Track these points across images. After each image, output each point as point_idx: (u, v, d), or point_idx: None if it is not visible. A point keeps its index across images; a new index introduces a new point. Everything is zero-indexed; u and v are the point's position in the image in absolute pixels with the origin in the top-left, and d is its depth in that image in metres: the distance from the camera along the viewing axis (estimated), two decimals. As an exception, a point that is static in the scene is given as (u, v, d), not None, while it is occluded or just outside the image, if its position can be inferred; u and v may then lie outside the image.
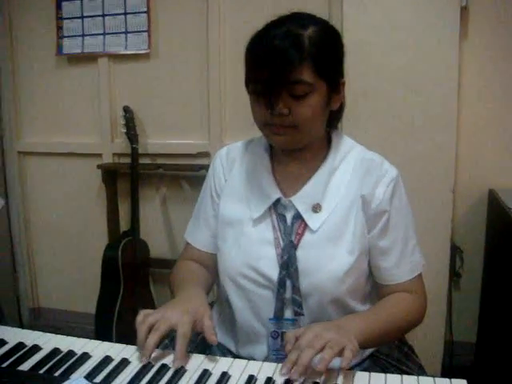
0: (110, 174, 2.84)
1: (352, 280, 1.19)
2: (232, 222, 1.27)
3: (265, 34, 1.12)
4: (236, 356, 1.28)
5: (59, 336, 1.13)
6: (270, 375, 0.98)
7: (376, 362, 1.25)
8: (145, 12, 2.69)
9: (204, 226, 1.36)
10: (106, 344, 1.09)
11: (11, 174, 3.11)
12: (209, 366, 1.01)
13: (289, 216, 1.22)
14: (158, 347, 1.04)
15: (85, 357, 1.03)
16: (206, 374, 0.98)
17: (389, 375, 0.98)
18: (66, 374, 0.97)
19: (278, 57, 1.06)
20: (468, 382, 0.91)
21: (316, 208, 1.19)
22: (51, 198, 3.08)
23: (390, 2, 2.19)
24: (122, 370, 0.99)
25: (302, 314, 1.17)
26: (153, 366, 1.00)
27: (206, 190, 1.39)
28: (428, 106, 2.19)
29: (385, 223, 1.21)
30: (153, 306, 2.75)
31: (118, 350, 1.06)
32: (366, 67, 2.20)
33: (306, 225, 1.19)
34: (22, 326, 3.21)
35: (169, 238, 2.88)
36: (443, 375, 2.06)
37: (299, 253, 1.18)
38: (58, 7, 2.83)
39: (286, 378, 0.95)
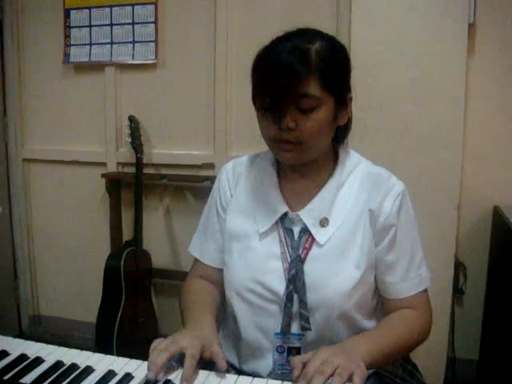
0: (113, 183, 2.84)
1: (359, 294, 1.18)
2: (239, 236, 1.26)
3: (271, 49, 1.12)
4: (239, 371, 1.27)
5: (62, 348, 1.11)
6: (275, 392, 0.97)
7: (380, 380, 1.24)
8: (152, 22, 2.70)
9: (211, 241, 1.35)
10: (110, 357, 1.08)
11: (15, 181, 3.11)
12: (214, 382, 1.00)
13: (296, 230, 1.21)
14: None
15: (88, 370, 1.02)
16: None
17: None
18: (69, 388, 0.96)
19: (284, 71, 1.06)
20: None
21: (323, 222, 1.19)
22: (54, 205, 3.08)
23: (398, 17, 2.19)
24: (125, 385, 0.98)
25: (309, 329, 1.16)
26: (157, 382, 0.99)
27: (211, 204, 1.38)
28: (434, 121, 2.19)
29: (392, 237, 1.20)
30: (154, 317, 2.75)
31: (121, 364, 1.05)
32: (373, 82, 2.21)
33: (313, 239, 1.19)
34: (21, 333, 3.22)
35: (171, 249, 2.87)
36: (445, 393, 2.06)
37: (306, 267, 1.18)
38: (66, 16, 2.84)
39: None
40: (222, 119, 2.67)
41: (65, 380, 0.98)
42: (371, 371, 1.23)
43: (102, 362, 1.06)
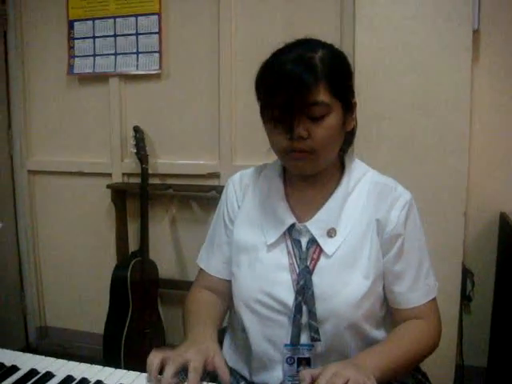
0: (119, 194, 2.84)
1: (368, 305, 1.18)
2: (246, 247, 1.26)
3: (275, 60, 1.13)
4: (249, 382, 1.27)
5: (72, 362, 1.11)
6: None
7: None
8: (156, 33, 2.71)
9: (218, 252, 1.36)
10: (120, 372, 1.08)
11: (21, 193, 3.11)
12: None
13: (304, 241, 1.21)
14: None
15: (98, 385, 1.02)
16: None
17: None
18: (80, 403, 0.96)
19: (292, 81, 1.07)
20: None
21: (331, 233, 1.19)
22: (60, 216, 3.09)
23: (402, 25, 2.19)
24: (136, 399, 0.98)
25: (319, 340, 1.16)
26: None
27: (218, 216, 1.39)
28: (439, 128, 2.18)
29: (399, 247, 1.20)
30: (161, 327, 2.74)
31: (131, 379, 1.05)
32: (378, 90, 2.20)
33: (321, 250, 1.19)
34: (28, 345, 3.20)
35: (178, 259, 2.87)
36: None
37: (315, 278, 1.17)
38: (70, 27, 2.85)
39: None
40: (226, 128, 2.67)
41: (75, 395, 0.99)
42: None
43: (111, 377, 1.06)
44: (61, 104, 2.99)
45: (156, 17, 2.70)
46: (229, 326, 1.42)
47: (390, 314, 1.28)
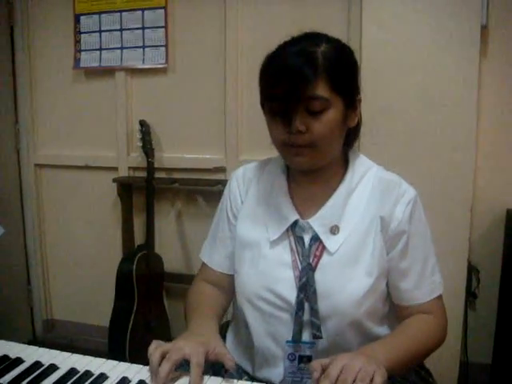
0: (125, 188, 2.85)
1: (370, 302, 1.18)
2: (249, 243, 1.26)
3: (279, 53, 1.13)
4: (252, 378, 1.27)
5: (76, 355, 1.12)
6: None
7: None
8: (162, 27, 2.71)
9: (220, 247, 1.36)
10: (123, 364, 1.08)
11: (27, 187, 3.13)
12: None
13: (307, 238, 1.21)
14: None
15: (102, 378, 1.03)
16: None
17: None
18: (83, 396, 0.97)
19: (292, 74, 1.07)
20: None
21: (334, 230, 1.19)
22: (66, 210, 3.10)
23: (410, 20, 2.18)
24: (139, 393, 0.98)
25: (321, 337, 1.16)
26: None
27: (222, 210, 1.38)
28: (446, 124, 2.17)
29: (404, 244, 1.19)
30: (166, 321, 2.76)
31: (135, 371, 1.05)
32: (385, 85, 2.20)
33: (324, 247, 1.19)
34: (35, 338, 3.22)
35: (183, 253, 2.87)
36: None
37: (317, 275, 1.17)
38: (77, 21, 2.85)
39: None
40: (232, 123, 2.67)
41: (79, 388, 0.99)
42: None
43: (115, 369, 1.06)
44: (67, 98, 2.99)
45: (162, 10, 2.69)
46: (232, 321, 1.43)
47: (394, 311, 1.28)
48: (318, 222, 1.20)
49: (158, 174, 2.70)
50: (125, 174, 2.90)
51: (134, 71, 2.82)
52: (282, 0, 2.54)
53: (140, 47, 2.77)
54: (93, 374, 1.04)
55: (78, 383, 1.01)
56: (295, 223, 1.22)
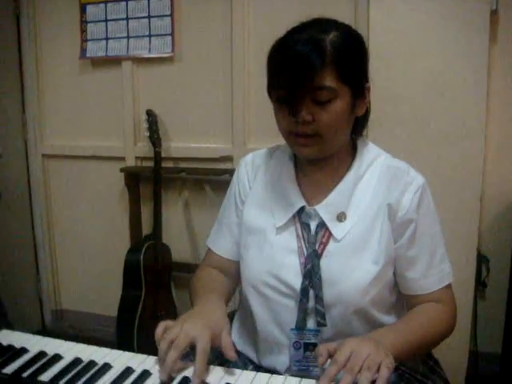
0: (132, 178, 2.85)
1: (376, 290, 1.17)
2: (255, 229, 1.26)
3: (286, 40, 1.11)
4: (257, 366, 1.27)
5: (81, 345, 1.12)
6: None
7: (401, 377, 1.22)
8: (169, 15, 2.69)
9: (227, 232, 1.35)
10: (128, 354, 1.08)
11: (35, 177, 3.13)
12: (230, 379, 0.99)
13: (313, 225, 1.20)
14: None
15: (106, 367, 1.02)
16: (227, 388, 0.97)
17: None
18: (87, 385, 0.96)
19: (300, 62, 1.05)
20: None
21: (341, 217, 1.18)
22: (74, 200, 3.10)
23: (418, 5, 2.15)
24: (143, 382, 0.98)
25: (325, 325, 1.15)
26: (174, 379, 0.98)
27: (229, 196, 1.38)
28: (455, 111, 2.14)
29: (412, 232, 1.18)
30: (174, 310, 2.75)
31: (139, 361, 1.05)
32: (393, 72, 2.17)
33: (330, 234, 1.18)
34: (44, 328, 3.24)
35: (191, 242, 2.87)
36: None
37: (323, 262, 1.16)
38: (83, 11, 2.84)
39: None
40: (240, 112, 2.65)
41: (83, 377, 0.99)
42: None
43: (120, 359, 1.06)
44: (74, 88, 2.99)
45: (168, -1, 2.68)
46: (238, 309, 1.42)
47: (401, 300, 1.27)
48: (324, 209, 1.19)
49: (165, 164, 2.70)
50: (132, 164, 2.89)
51: (140, 60, 2.81)
52: (289, -12, 2.51)
53: (146, 36, 2.75)
54: (97, 364, 1.03)
55: (82, 373, 1.00)
56: (302, 210, 1.21)
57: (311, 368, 1.18)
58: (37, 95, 3.05)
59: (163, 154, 2.67)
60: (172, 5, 2.67)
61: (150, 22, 2.72)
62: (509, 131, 2.29)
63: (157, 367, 1.02)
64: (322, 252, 1.17)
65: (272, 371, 1.19)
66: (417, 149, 2.18)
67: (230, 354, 1.04)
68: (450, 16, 2.11)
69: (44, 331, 3.18)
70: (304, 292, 1.16)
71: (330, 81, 1.06)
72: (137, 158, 2.89)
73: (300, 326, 1.17)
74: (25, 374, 0.99)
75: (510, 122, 2.29)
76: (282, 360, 1.21)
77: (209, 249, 1.40)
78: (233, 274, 1.34)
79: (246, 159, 1.37)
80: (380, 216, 1.17)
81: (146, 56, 2.77)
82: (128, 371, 1.01)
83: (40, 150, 3.10)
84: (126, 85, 2.84)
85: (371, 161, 1.23)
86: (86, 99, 2.96)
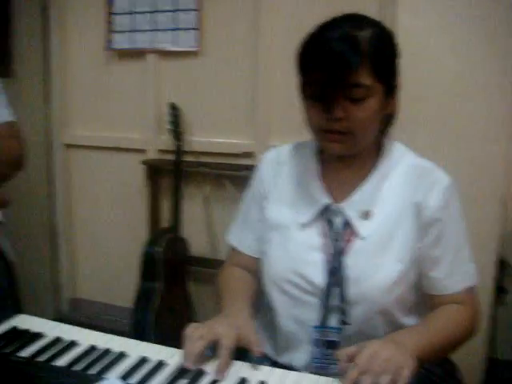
0: (153, 170, 2.85)
1: (400, 290, 1.16)
2: (279, 226, 1.25)
3: (320, 36, 1.10)
4: (274, 362, 1.26)
5: (97, 333, 1.12)
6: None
7: (418, 378, 1.20)
8: (195, 9, 2.68)
9: (250, 229, 1.34)
10: (144, 344, 1.08)
11: (56, 166, 3.15)
12: (247, 374, 0.99)
13: (338, 222, 1.19)
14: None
15: (121, 356, 1.02)
16: (243, 382, 0.96)
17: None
18: (102, 373, 0.96)
19: (336, 60, 1.04)
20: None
21: (366, 215, 1.17)
22: (94, 190, 3.12)
23: (446, 6, 2.12)
24: (158, 373, 0.97)
25: (348, 323, 1.14)
26: (189, 371, 0.98)
27: (251, 193, 1.37)
28: (479, 113, 2.11)
29: (438, 232, 1.17)
30: (190, 304, 2.75)
31: (155, 351, 1.05)
32: (417, 72, 2.13)
33: (355, 232, 1.17)
34: (60, 316, 3.26)
35: (209, 237, 2.87)
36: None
37: (347, 260, 1.15)
38: (110, 2, 2.85)
39: None
40: (263, 108, 2.64)
41: (98, 365, 0.99)
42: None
43: (136, 349, 1.06)
44: (98, 79, 3.00)
45: (195, -7, 2.67)
46: (256, 304, 1.41)
47: (423, 302, 1.25)
48: (349, 207, 1.18)
49: (186, 158, 2.70)
50: (153, 157, 2.89)
51: (165, 54, 2.80)
52: (316, -16, 2.49)
53: (172, 30, 2.75)
54: (113, 352, 1.03)
55: (97, 361, 1.00)
56: (327, 207, 1.20)
57: (331, 366, 1.16)
58: (62, 85, 3.06)
59: (185, 148, 2.68)
60: (199, -1, 2.67)
61: (176, 16, 2.72)
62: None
63: (173, 358, 1.02)
64: (347, 250, 1.16)
65: (288, 368, 1.18)
66: (438, 149, 2.13)
67: (257, 350, 1.04)
68: (478, 18, 2.07)
69: (60, 320, 3.18)
70: (328, 290, 1.15)
71: (365, 78, 1.06)
72: (158, 150, 2.88)
73: (322, 324, 1.16)
74: (40, 359, 1.00)
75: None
76: (300, 357, 1.21)
77: (232, 247, 1.39)
78: (257, 271, 1.33)
79: (269, 155, 1.36)
80: (406, 215, 1.17)
81: (171, 49, 2.76)
82: (144, 361, 1.01)
83: (63, 139, 3.12)
84: (150, 77, 2.84)
85: (398, 159, 1.22)
86: (110, 90, 2.97)
